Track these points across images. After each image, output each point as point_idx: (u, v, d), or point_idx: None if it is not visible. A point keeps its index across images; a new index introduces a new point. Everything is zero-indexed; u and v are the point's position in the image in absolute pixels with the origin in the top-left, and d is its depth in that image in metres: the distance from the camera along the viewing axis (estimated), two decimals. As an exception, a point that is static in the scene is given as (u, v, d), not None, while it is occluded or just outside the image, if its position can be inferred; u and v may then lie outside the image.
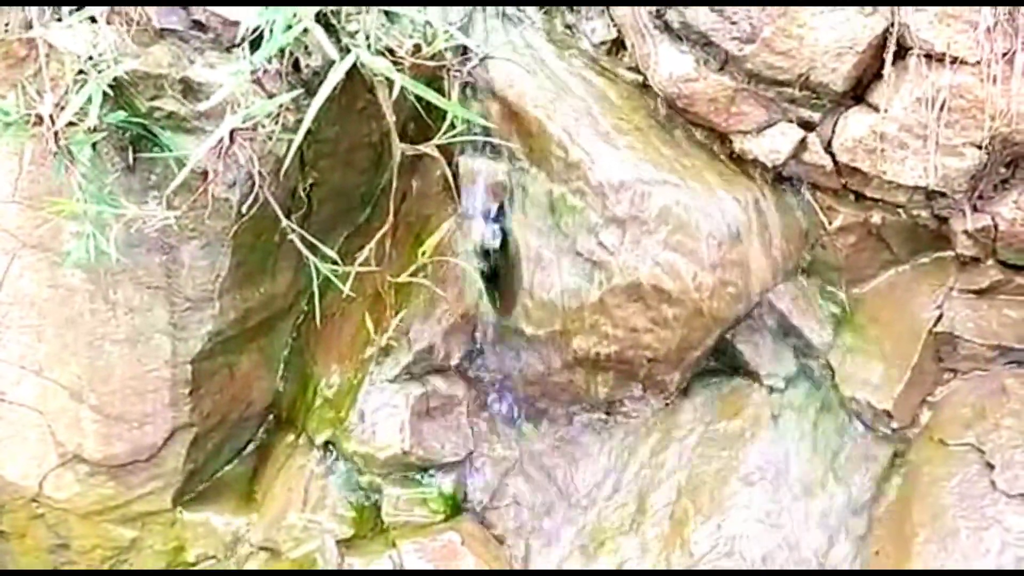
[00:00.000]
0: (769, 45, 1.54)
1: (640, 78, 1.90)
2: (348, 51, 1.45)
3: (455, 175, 1.76)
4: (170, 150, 1.43)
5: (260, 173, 1.45)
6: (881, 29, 1.50)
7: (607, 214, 1.67)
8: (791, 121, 1.63)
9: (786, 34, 1.53)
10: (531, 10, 2.08)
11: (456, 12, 1.91)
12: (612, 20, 1.96)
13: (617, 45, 1.98)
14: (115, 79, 1.39)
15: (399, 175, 1.67)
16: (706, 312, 1.62)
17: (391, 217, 1.61)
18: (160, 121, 1.44)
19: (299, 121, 1.48)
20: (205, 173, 1.43)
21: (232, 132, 1.37)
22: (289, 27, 1.41)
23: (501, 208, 1.77)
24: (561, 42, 2.01)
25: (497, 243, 1.76)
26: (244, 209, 1.46)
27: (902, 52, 1.52)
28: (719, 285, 1.62)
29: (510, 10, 2.05)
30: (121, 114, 1.42)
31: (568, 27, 2.05)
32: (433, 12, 1.78)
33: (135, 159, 1.48)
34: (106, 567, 1.70)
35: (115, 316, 1.56)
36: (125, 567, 1.70)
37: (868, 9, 1.49)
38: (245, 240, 1.54)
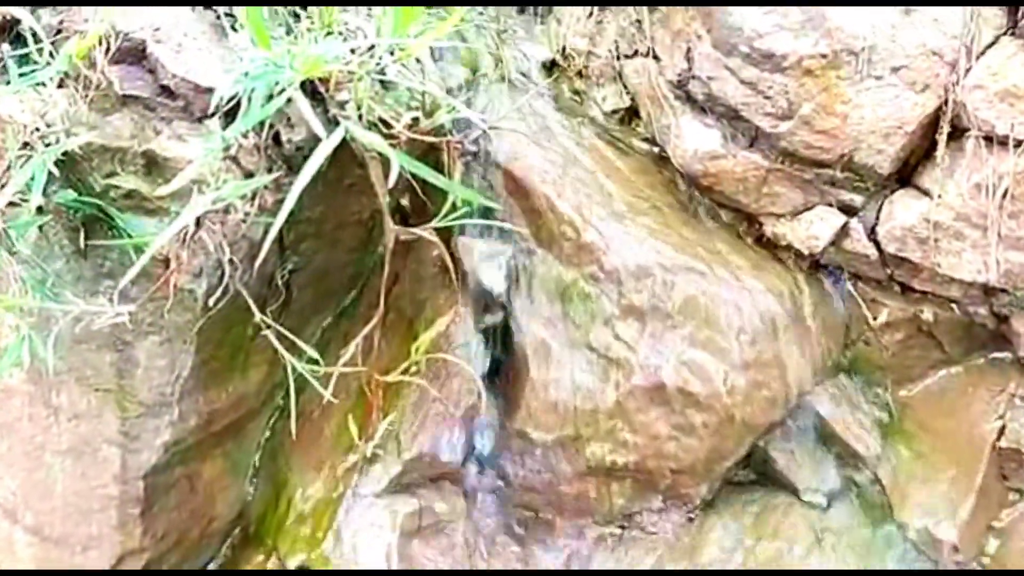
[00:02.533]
0: (808, 123, 1.38)
1: (656, 150, 1.74)
2: (336, 123, 1.28)
3: (453, 257, 1.58)
4: (127, 235, 1.24)
5: (231, 261, 1.25)
6: (933, 107, 1.35)
7: (624, 304, 1.49)
8: (830, 205, 1.47)
9: (828, 111, 1.37)
10: (537, 75, 1.93)
11: (456, 77, 1.76)
12: (625, 87, 1.81)
13: (630, 114, 1.83)
14: (66, 153, 1.20)
15: (391, 256, 1.48)
16: (738, 419, 1.43)
17: (382, 307, 1.41)
18: (117, 201, 1.25)
19: (279, 201, 1.29)
20: (167, 260, 1.23)
21: (200, 217, 1.18)
22: (270, 97, 1.24)
23: (505, 293, 1.58)
24: (569, 110, 1.85)
25: (499, 334, 1.58)
26: (211, 302, 1.26)
27: (957, 133, 1.36)
28: (752, 387, 1.43)
29: (515, 75, 1.90)
30: (71, 193, 1.22)
31: (576, 93, 1.90)
32: (432, 77, 1.62)
33: (87, 243, 1.28)
34: None
35: (57, 423, 1.34)
36: None
37: (919, 86, 1.34)
38: (212, 335, 1.33)
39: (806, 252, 1.49)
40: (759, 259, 1.53)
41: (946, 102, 1.34)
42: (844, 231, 1.46)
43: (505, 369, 1.57)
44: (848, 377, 1.53)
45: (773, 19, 1.36)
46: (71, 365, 1.32)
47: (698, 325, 1.44)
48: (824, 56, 1.33)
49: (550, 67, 1.94)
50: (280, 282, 1.40)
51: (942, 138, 1.36)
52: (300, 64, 1.19)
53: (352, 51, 1.28)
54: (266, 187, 1.28)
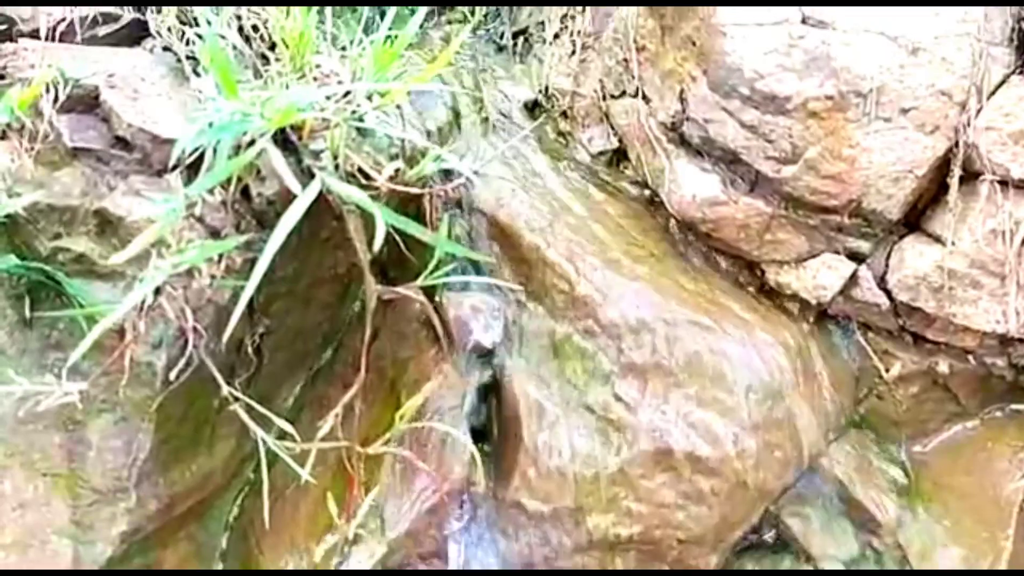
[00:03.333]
0: (814, 167, 1.31)
1: (647, 193, 1.66)
2: (311, 175, 1.17)
3: (438, 312, 1.47)
4: (78, 303, 1.11)
5: (195, 329, 1.13)
6: (943, 150, 1.29)
7: (624, 361, 1.39)
8: (837, 252, 1.39)
9: (834, 155, 1.29)
10: (519, 116, 1.85)
11: (435, 119, 1.67)
12: (612, 128, 1.73)
13: (618, 156, 1.75)
14: (8, 215, 1.07)
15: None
16: (750, 484, 1.33)
17: (363, 372, 1.29)
18: (66, 265, 1.13)
19: (248, 261, 1.18)
20: (121, 330, 1.10)
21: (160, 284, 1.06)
22: (238, 148, 1.13)
23: (494, 351, 1.47)
24: (555, 152, 1.77)
25: (490, 394, 1.47)
26: (172, 376, 1.13)
27: (968, 176, 1.30)
28: (764, 450, 1.33)
29: (495, 116, 1.81)
30: (13, 259, 1.10)
31: (561, 134, 1.82)
32: (411, 122, 1.53)
33: (32, 313, 1.15)
34: None
35: (1, 512, 1.19)
36: None
37: (928, 127, 1.27)
38: (173, 411, 1.20)
39: (813, 302, 1.41)
40: (764, 310, 1.44)
41: (957, 144, 1.28)
42: (853, 279, 1.39)
43: (497, 433, 1.46)
44: (861, 433, 1.45)
45: (775, 60, 1.29)
46: (15, 448, 1.17)
47: (704, 383, 1.34)
48: (830, 98, 1.26)
49: (532, 108, 1.86)
50: (250, 349, 1.28)
51: (954, 182, 1.29)
52: (271, 113, 1.08)
53: (327, 97, 1.18)
54: (235, 247, 1.17)
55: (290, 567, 1.36)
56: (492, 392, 1.47)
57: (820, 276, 1.39)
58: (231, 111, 1.09)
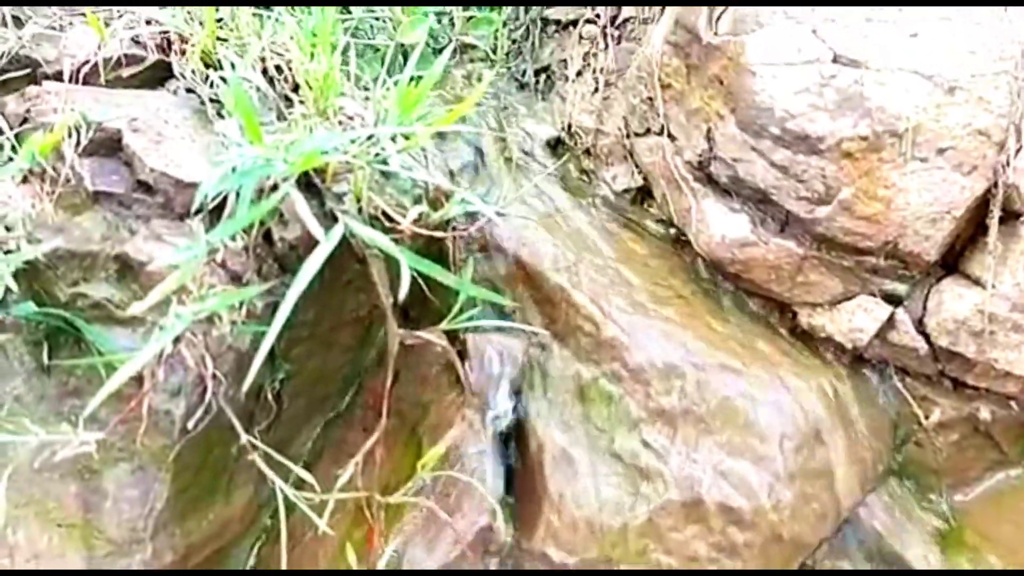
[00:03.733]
0: (848, 208, 1.27)
1: (672, 232, 1.63)
2: (334, 218, 1.15)
3: (460, 354, 1.44)
4: (97, 350, 1.09)
5: (215, 376, 1.10)
6: (982, 190, 1.25)
7: (652, 406, 1.35)
8: (873, 294, 1.35)
9: (869, 196, 1.26)
10: (542, 154, 1.83)
11: (458, 158, 1.65)
12: (637, 167, 1.71)
13: (643, 194, 1.72)
14: (27, 261, 1.06)
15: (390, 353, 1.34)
16: (786, 537, 1.27)
17: (384, 419, 1.26)
18: (84, 312, 1.11)
19: (269, 306, 1.16)
20: (140, 378, 1.08)
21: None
22: (261, 192, 1.11)
23: (518, 394, 1.44)
24: (578, 190, 1.74)
25: (514, 439, 1.43)
26: (191, 424, 1.10)
27: (1008, 216, 1.26)
28: (800, 501, 1.28)
29: (517, 154, 1.80)
30: (31, 306, 1.08)
31: (585, 172, 1.79)
32: (435, 162, 1.51)
33: (50, 360, 1.13)
34: None
35: (13, 564, 1.16)
36: None
37: (966, 167, 1.24)
38: (191, 460, 1.17)
39: (848, 346, 1.36)
40: (797, 353, 1.40)
41: (995, 184, 1.24)
42: (890, 323, 1.34)
43: (521, 480, 1.41)
44: (899, 482, 1.39)
45: (806, 99, 1.26)
46: (30, 498, 1.14)
47: (737, 430, 1.30)
48: (864, 138, 1.23)
49: (555, 146, 1.84)
50: (269, 395, 1.25)
51: (993, 223, 1.25)
52: (294, 157, 1.06)
53: (352, 140, 1.16)
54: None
55: (308, 619, 1.32)
56: (516, 437, 1.43)
57: (855, 319, 1.35)
58: (254, 155, 1.07)
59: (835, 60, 1.28)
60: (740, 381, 1.33)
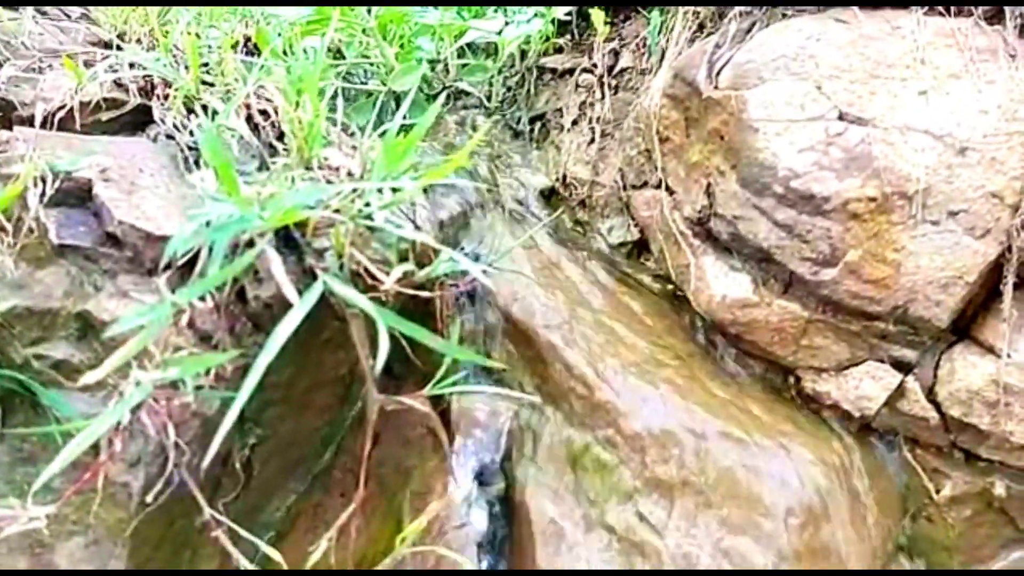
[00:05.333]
0: (856, 271, 1.21)
1: (670, 288, 1.57)
2: (313, 275, 1.08)
3: (445, 415, 1.36)
4: (54, 417, 1.01)
5: (177, 445, 1.02)
6: (995, 255, 1.19)
7: (648, 476, 1.27)
8: (881, 360, 1.28)
9: (878, 259, 1.20)
10: (536, 205, 1.78)
11: (448, 209, 1.59)
12: (633, 219, 1.65)
13: (639, 247, 1.66)
14: (-19, 319, 0.99)
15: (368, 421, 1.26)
16: (791, 622, 1.19)
17: (361, 490, 1.17)
18: (42, 374, 1.03)
19: (239, 369, 1.09)
20: (96, 446, 1.00)
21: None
22: (236, 246, 1.04)
23: (507, 460, 1.36)
24: (572, 242, 1.69)
25: (501, 506, 1.35)
26: (150, 498, 1.02)
27: (1022, 282, 1.20)
28: (805, 582, 1.20)
29: (511, 204, 1.74)
30: (-17, 367, 1.01)
31: (579, 224, 1.74)
32: (423, 213, 1.45)
33: (3, 425, 1.05)
34: None
35: (-49, 647, 1.06)
36: None
37: (979, 231, 1.18)
38: (150, 534, 1.08)
39: (856, 414, 1.29)
40: (802, 420, 1.33)
41: (1009, 248, 1.18)
42: (899, 391, 1.27)
43: (509, 553, 1.33)
44: (909, 560, 1.31)
45: (811, 157, 1.21)
46: (-27, 573, 1.06)
47: (738, 504, 1.22)
48: (873, 199, 1.18)
49: (549, 196, 1.79)
50: (239, 461, 1.17)
51: (1007, 289, 1.19)
52: (271, 213, 1.00)
53: (336, 193, 1.10)
54: (224, 350, 1.08)
55: None
56: (503, 505, 1.35)
57: (863, 386, 1.28)
58: (229, 210, 1.01)
59: (841, 117, 1.23)
60: (742, 451, 1.25)
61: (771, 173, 1.24)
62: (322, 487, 1.41)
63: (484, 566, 1.29)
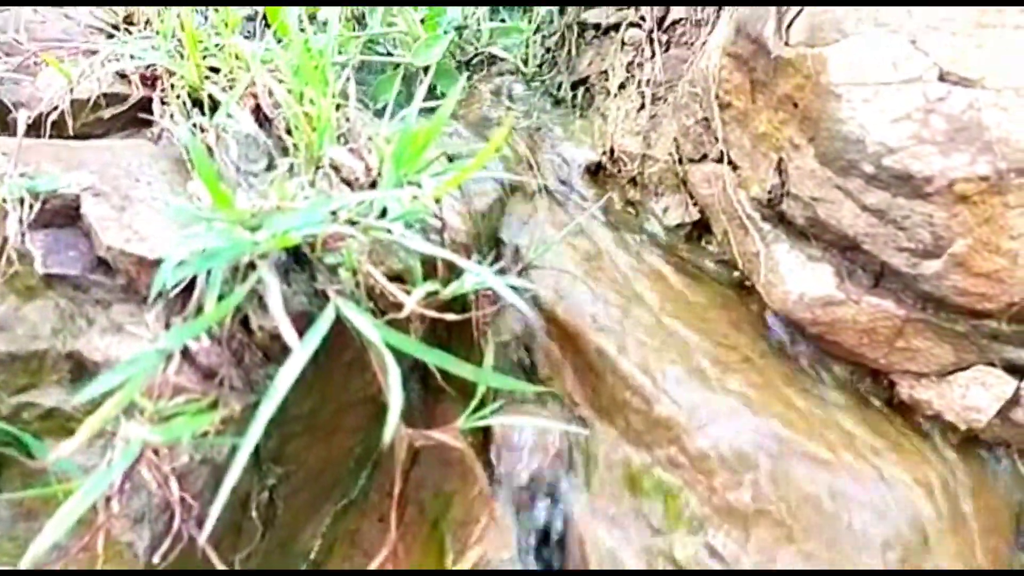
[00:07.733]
0: (963, 263, 1.02)
1: (736, 275, 1.39)
2: (325, 297, 0.95)
3: (487, 436, 1.23)
4: (54, 473, 0.91)
5: (183, 499, 0.91)
6: None
7: (717, 503, 1.12)
8: (992, 364, 1.09)
9: (990, 249, 1.00)
10: (579, 182, 1.60)
11: (484, 196, 1.43)
12: (691, 198, 1.47)
13: (699, 229, 1.48)
14: (-41, 367, 0.89)
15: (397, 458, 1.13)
16: (889, 672, 1.04)
17: (392, 533, 1.05)
18: (33, 424, 0.93)
19: (249, 407, 0.97)
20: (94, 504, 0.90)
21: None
22: (236, 270, 0.91)
23: (556, 483, 1.22)
24: (623, 225, 1.51)
25: (555, 535, 1.22)
26: (156, 559, 0.91)
27: None
28: (905, 625, 1.04)
29: (554, 184, 1.57)
30: (-34, 422, 0.91)
31: (630, 204, 1.56)
32: (454, 206, 1.30)
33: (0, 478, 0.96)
34: None
35: None
36: None
37: (1120, 210, 0.97)
38: (166, 591, 0.99)
39: (963, 427, 1.11)
40: (896, 434, 1.15)
41: None
42: (1014, 399, 1.08)
43: (562, 585, 1.20)
44: (1027, 589, 1.14)
45: (908, 129, 1.01)
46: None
47: (825, 538, 1.06)
48: (984, 178, 0.97)
49: (596, 171, 1.62)
50: (259, 504, 1.06)
51: None
52: (269, 234, 0.86)
53: (345, 204, 0.95)
54: (232, 387, 0.96)
55: None
56: (555, 533, 1.22)
57: (971, 395, 1.09)
58: (223, 232, 0.87)
59: (942, 78, 1.02)
60: (827, 474, 1.09)
61: (858, 148, 1.04)
62: (359, 512, 1.30)
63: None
